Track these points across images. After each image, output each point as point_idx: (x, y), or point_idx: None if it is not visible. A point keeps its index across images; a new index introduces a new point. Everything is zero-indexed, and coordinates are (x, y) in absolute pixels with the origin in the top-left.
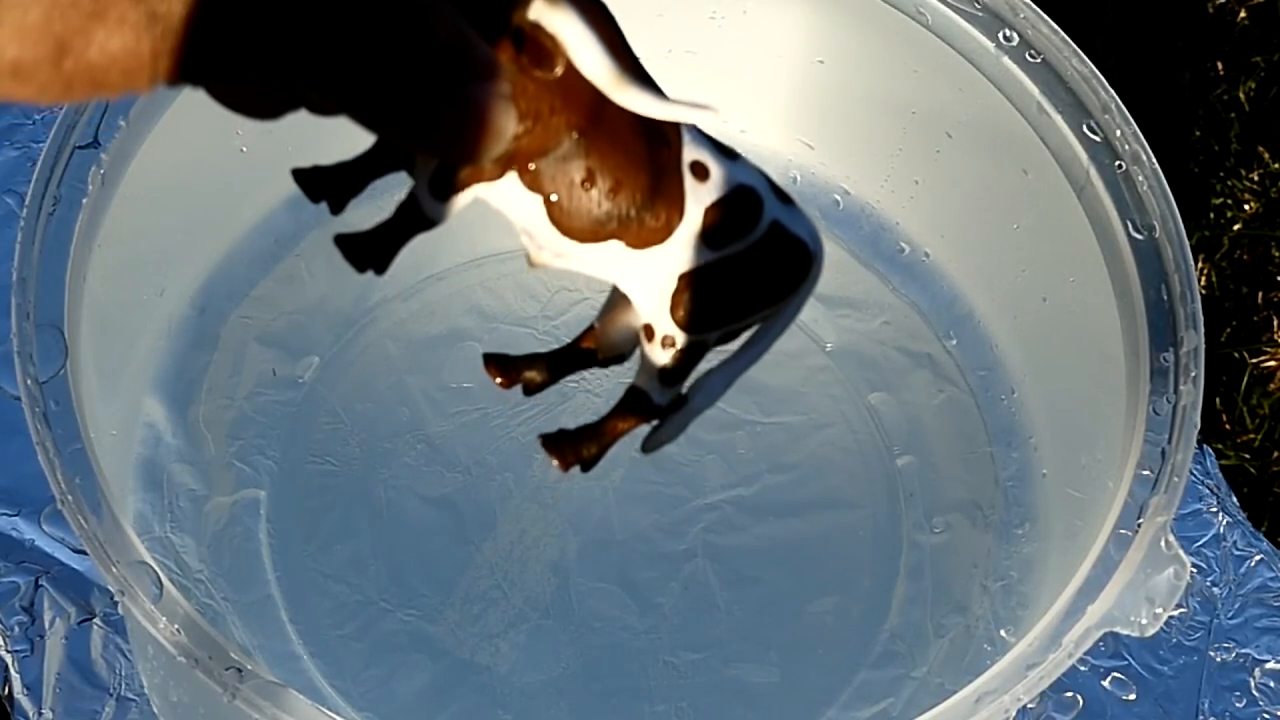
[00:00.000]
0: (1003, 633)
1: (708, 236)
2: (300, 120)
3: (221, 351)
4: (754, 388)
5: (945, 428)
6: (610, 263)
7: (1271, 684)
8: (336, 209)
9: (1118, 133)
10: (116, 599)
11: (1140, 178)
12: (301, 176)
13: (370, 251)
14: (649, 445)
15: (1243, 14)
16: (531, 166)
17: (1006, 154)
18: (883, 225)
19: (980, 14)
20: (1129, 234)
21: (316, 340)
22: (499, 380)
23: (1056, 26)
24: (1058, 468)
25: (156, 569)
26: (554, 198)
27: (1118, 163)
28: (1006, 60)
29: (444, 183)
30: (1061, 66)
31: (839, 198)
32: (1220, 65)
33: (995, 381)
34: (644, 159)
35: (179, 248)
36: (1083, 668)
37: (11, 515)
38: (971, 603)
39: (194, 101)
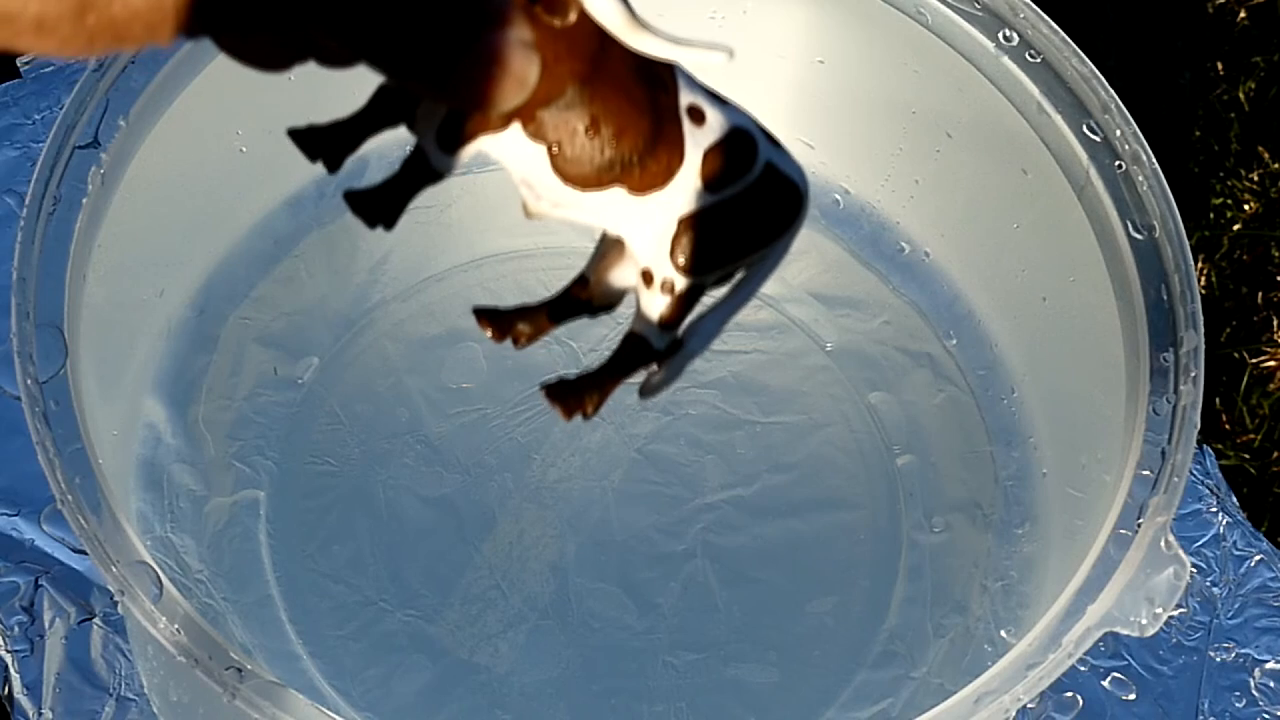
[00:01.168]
0: (1003, 633)
1: (706, 180)
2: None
3: (221, 352)
4: (754, 388)
5: (945, 427)
6: (611, 209)
7: (1271, 684)
8: (333, 167)
9: (1118, 133)
10: (116, 599)
11: (1140, 178)
12: (298, 135)
13: (379, 206)
14: (646, 391)
15: (1243, 14)
16: (535, 116)
17: (1006, 154)
18: (883, 225)
19: (980, 14)
20: (1129, 234)
21: (316, 341)
22: (491, 333)
23: (1056, 26)
24: (1058, 467)
25: (156, 569)
26: (557, 147)
27: (1118, 163)
28: (1006, 60)
29: (451, 135)
30: (1061, 66)
31: (839, 198)
32: (1220, 65)
33: (995, 381)
34: (645, 105)
35: (179, 248)
36: (1083, 668)
37: (11, 515)
38: (971, 603)
39: (194, 101)
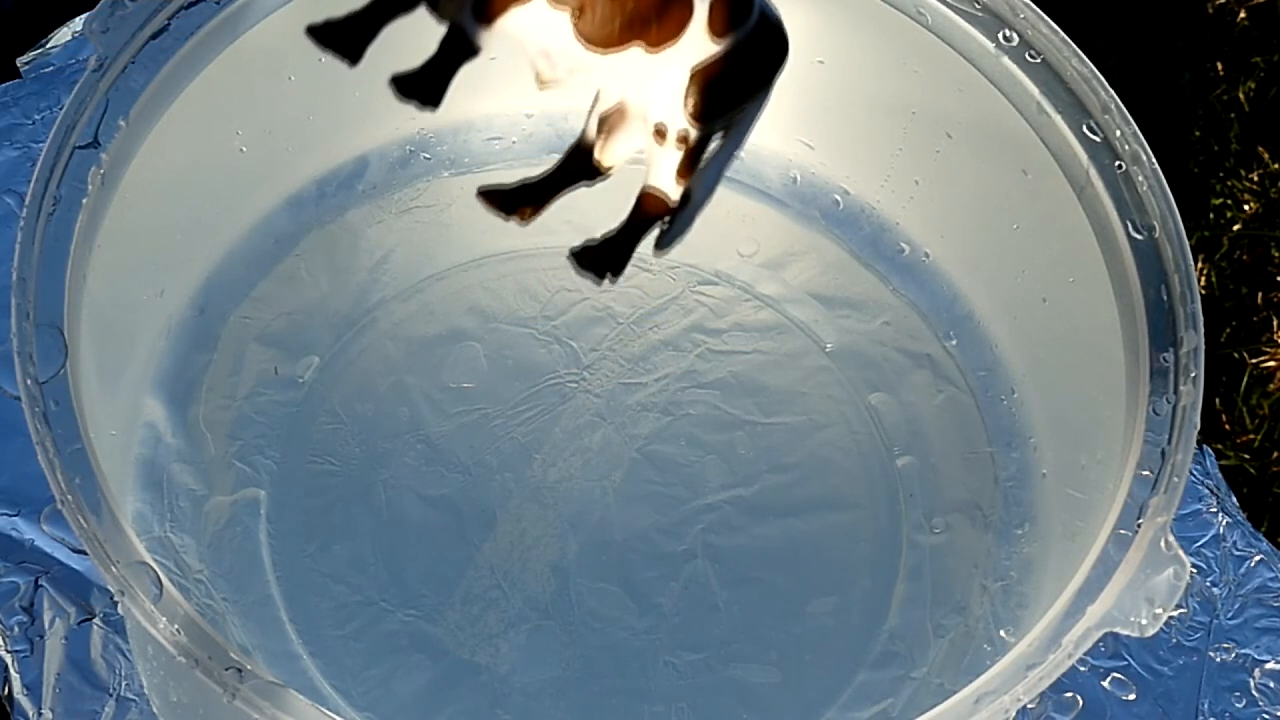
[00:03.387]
0: (1003, 633)
1: (713, 30)
2: (300, 122)
3: (221, 352)
4: (754, 388)
5: (945, 428)
6: (627, 69)
7: (1271, 684)
8: (355, 59)
9: (1118, 133)
10: (116, 599)
11: (1140, 178)
12: (316, 31)
13: (425, 86)
14: (662, 243)
15: (1243, 14)
16: None
17: (1006, 154)
18: (883, 225)
19: (980, 14)
20: (1129, 234)
21: (316, 340)
22: (499, 213)
23: (1056, 27)
24: (1058, 468)
25: (156, 569)
26: (579, 11)
27: (1118, 163)
28: (1006, 60)
29: (484, 5)
30: (1061, 66)
31: (839, 198)
32: (1220, 65)
33: (995, 381)
34: None
35: (179, 248)
36: (1083, 668)
37: (11, 515)
38: (971, 603)
39: (194, 101)
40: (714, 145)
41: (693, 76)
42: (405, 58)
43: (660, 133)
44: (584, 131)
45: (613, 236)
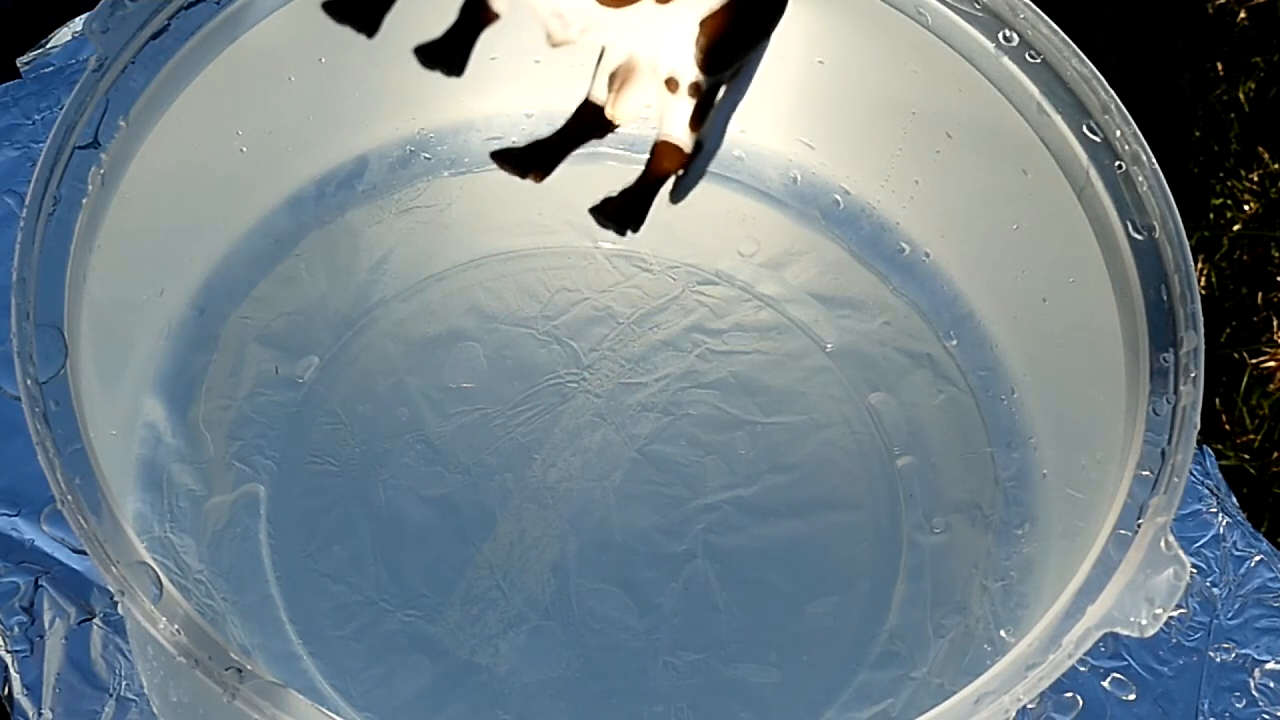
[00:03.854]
0: (1003, 633)
1: None
2: (300, 122)
3: (221, 352)
4: (754, 388)
5: (945, 428)
6: (637, 24)
7: (1271, 684)
8: (371, 31)
9: (1118, 133)
10: (116, 599)
11: (1140, 178)
12: (331, 6)
13: (447, 53)
14: (678, 192)
15: (1243, 14)
16: None
17: (1006, 154)
18: (883, 225)
19: (980, 14)
20: (1129, 234)
21: (316, 340)
22: (516, 172)
23: (1056, 27)
24: (1058, 468)
25: (156, 569)
26: None
27: (1118, 163)
28: (1006, 60)
29: None
30: (1061, 67)
31: (839, 198)
32: (1220, 65)
33: (995, 381)
34: None
35: (179, 248)
36: (1082, 668)
37: (11, 515)
38: (971, 603)
39: (194, 101)
40: (720, 94)
41: (701, 26)
42: (405, 56)
43: (672, 83)
44: (590, 88)
45: (631, 189)
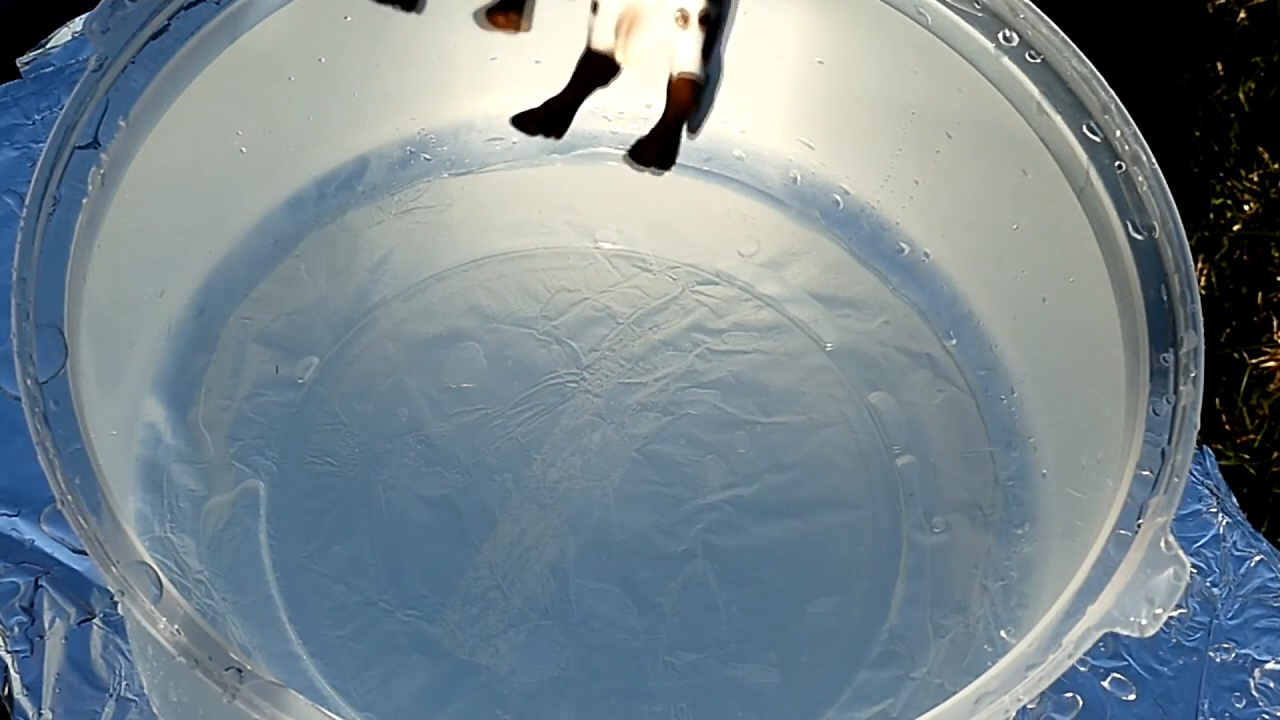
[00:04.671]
0: (1003, 633)
1: None
2: (300, 122)
3: (221, 352)
4: (754, 388)
5: (945, 428)
6: None
7: (1271, 684)
8: (415, 6)
9: (1118, 133)
10: (116, 599)
11: (1140, 178)
12: None
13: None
14: (695, 126)
15: (1243, 14)
16: None
17: (1006, 154)
18: (883, 225)
19: (980, 14)
20: (1129, 234)
21: (316, 341)
22: (540, 133)
23: (1056, 27)
24: (1058, 468)
25: (156, 569)
26: None
27: (1118, 163)
28: (1006, 60)
29: None
30: (1061, 67)
31: (839, 198)
32: (1220, 65)
33: (995, 381)
34: None
35: (179, 248)
36: (1082, 668)
37: (11, 515)
38: (971, 603)
39: (194, 101)
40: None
41: None
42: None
43: (683, 17)
44: (591, 37)
45: (658, 130)
